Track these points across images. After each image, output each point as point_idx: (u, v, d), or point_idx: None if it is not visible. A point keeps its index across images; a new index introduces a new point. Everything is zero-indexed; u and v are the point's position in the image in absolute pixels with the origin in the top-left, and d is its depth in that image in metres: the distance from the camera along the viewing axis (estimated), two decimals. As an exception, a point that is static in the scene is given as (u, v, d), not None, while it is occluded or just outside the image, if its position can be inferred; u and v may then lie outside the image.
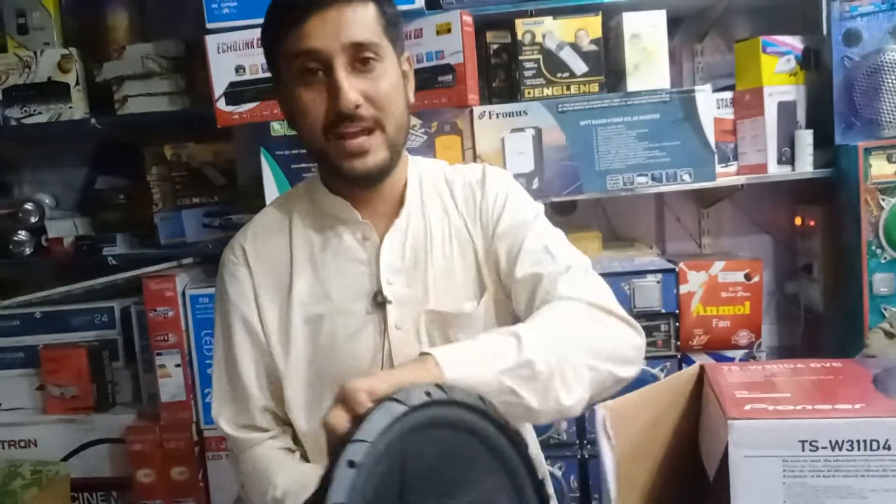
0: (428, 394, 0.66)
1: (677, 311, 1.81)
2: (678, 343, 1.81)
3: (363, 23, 0.98)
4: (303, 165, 1.86)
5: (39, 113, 2.09)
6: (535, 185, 1.85)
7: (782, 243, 2.18)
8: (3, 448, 2.06)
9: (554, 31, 1.86)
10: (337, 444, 0.65)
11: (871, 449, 0.63)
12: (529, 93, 1.88)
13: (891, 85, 1.76)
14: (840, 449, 0.64)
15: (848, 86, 1.81)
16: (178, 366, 1.96)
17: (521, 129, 1.85)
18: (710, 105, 1.85)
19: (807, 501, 0.65)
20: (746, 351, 1.85)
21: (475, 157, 1.85)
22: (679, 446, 0.80)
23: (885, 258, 1.74)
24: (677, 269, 1.81)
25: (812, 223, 1.98)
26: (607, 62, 1.88)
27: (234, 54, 1.86)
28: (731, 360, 1.85)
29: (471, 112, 1.85)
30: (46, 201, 2.30)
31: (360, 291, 1.06)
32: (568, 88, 1.88)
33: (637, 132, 1.83)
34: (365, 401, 0.68)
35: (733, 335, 1.84)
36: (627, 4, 1.86)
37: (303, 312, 1.07)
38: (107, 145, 2.35)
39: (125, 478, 2.03)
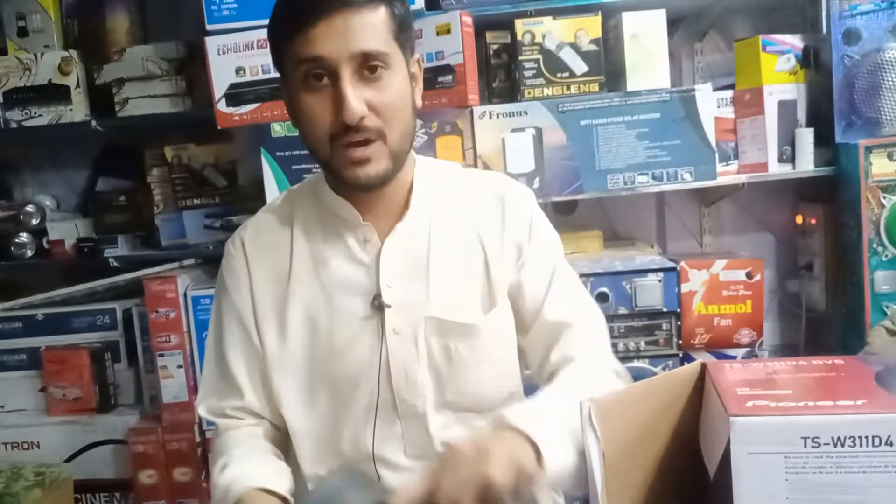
0: None
1: (679, 310, 1.81)
2: (680, 342, 1.81)
3: (372, 30, 0.95)
4: (303, 166, 1.86)
5: (40, 115, 2.09)
6: (536, 184, 1.85)
7: (783, 242, 2.18)
8: (6, 450, 2.06)
9: (553, 32, 1.86)
10: None
11: (874, 445, 0.63)
12: (529, 93, 1.88)
13: (891, 83, 1.76)
14: (842, 445, 0.64)
15: (848, 84, 1.81)
16: (179, 367, 1.96)
17: (522, 129, 1.85)
18: (711, 104, 1.85)
19: (809, 498, 0.65)
20: (748, 350, 1.85)
21: (476, 158, 1.86)
22: (678, 443, 0.80)
23: (886, 256, 1.74)
24: (678, 268, 1.81)
25: (813, 221, 1.98)
26: (607, 62, 1.89)
27: (235, 56, 1.86)
28: (733, 358, 1.85)
29: (471, 112, 1.85)
30: (47, 203, 2.30)
31: (359, 293, 1.05)
32: (568, 88, 1.88)
33: (637, 131, 1.83)
34: None
35: (735, 334, 1.84)
36: (627, 4, 1.86)
37: (301, 309, 1.06)
38: (109, 147, 2.36)
39: (128, 479, 2.03)
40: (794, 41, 1.88)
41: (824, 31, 1.88)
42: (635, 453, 0.77)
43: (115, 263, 2.10)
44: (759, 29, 2.03)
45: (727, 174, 1.91)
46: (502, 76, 1.96)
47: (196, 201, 2.18)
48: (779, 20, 2.06)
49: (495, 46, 1.94)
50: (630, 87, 1.86)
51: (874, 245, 1.74)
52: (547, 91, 1.88)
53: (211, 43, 1.86)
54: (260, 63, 1.86)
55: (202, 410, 1.13)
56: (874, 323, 1.71)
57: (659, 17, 1.86)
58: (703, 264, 1.84)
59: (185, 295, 1.96)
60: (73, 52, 2.09)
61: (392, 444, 1.06)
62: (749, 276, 1.83)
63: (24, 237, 2.16)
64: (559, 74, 1.87)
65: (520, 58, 1.87)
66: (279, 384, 1.07)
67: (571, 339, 1.06)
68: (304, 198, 1.12)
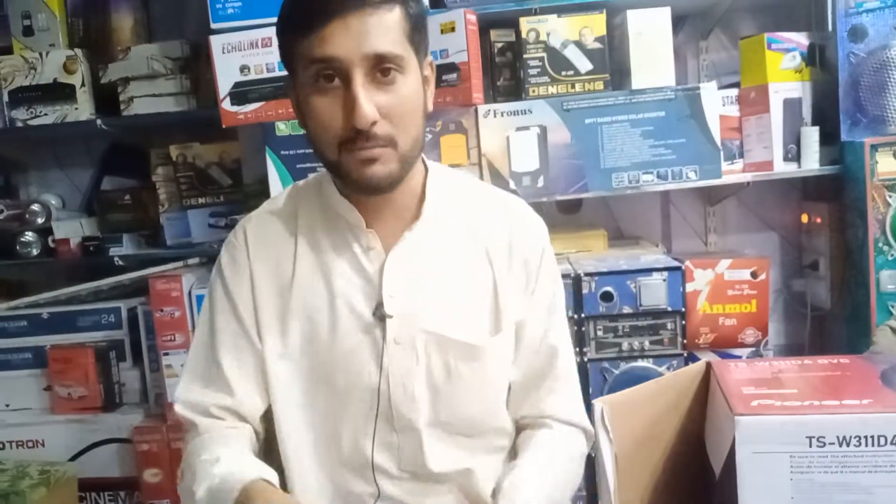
0: None
1: (683, 310, 1.80)
2: (684, 341, 1.81)
3: (387, 31, 0.92)
4: (308, 165, 1.86)
5: (45, 114, 2.10)
6: (541, 183, 1.85)
7: (789, 241, 2.18)
8: (11, 448, 2.07)
9: (558, 30, 1.86)
10: None
11: (879, 444, 0.63)
12: (534, 91, 1.88)
13: (897, 81, 1.75)
14: (847, 445, 0.63)
15: (854, 82, 1.80)
16: (184, 365, 1.96)
17: (526, 128, 1.85)
18: (716, 102, 1.84)
19: (814, 497, 0.65)
20: (753, 349, 1.85)
21: (480, 156, 1.85)
22: (684, 442, 0.79)
23: (891, 255, 1.73)
24: (683, 268, 1.81)
25: (818, 220, 1.98)
26: (612, 60, 1.88)
27: (239, 54, 1.86)
28: (738, 358, 1.85)
29: (476, 111, 1.85)
30: (53, 202, 2.31)
31: (362, 302, 1.03)
32: (573, 86, 1.88)
33: (642, 130, 1.83)
34: None
35: (740, 333, 1.83)
36: (632, 2, 1.86)
37: (304, 312, 1.04)
38: (114, 146, 2.36)
39: (133, 478, 2.03)
40: (800, 39, 1.87)
41: (830, 28, 1.88)
42: (643, 452, 0.77)
43: (120, 262, 2.10)
44: (764, 27, 2.02)
45: (732, 173, 1.90)
46: (507, 74, 1.96)
47: (201, 200, 2.18)
48: (784, 18, 2.06)
49: (500, 44, 1.94)
50: (635, 85, 1.85)
51: (880, 244, 1.73)
52: (551, 89, 1.88)
53: (216, 41, 1.86)
54: (265, 62, 1.86)
55: (179, 407, 1.05)
56: (879, 322, 1.71)
57: (664, 15, 1.85)
58: (708, 263, 1.83)
59: (189, 294, 1.96)
60: (79, 51, 2.10)
61: (388, 454, 1.05)
62: (754, 275, 1.82)
63: (29, 236, 2.17)
64: (564, 73, 1.87)
65: (524, 56, 1.87)
66: (277, 384, 1.04)
67: (545, 388, 1.09)
68: (309, 196, 1.10)
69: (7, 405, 2.14)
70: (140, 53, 2.07)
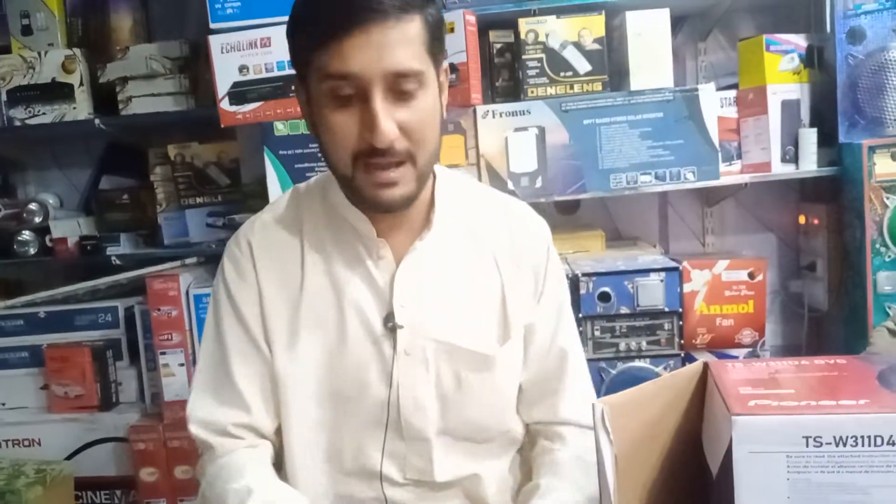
0: None
1: (681, 310, 1.81)
2: (682, 342, 1.81)
3: (408, 44, 0.88)
4: (306, 165, 1.86)
5: (44, 114, 2.09)
6: (539, 184, 1.85)
7: (786, 242, 2.18)
8: (8, 447, 2.06)
9: (557, 31, 1.86)
10: None
11: (876, 444, 0.63)
12: (533, 92, 1.88)
13: (895, 83, 1.76)
14: (844, 445, 0.63)
15: (852, 84, 1.80)
16: (181, 365, 1.96)
17: (525, 129, 1.85)
18: (714, 103, 1.84)
19: (811, 497, 0.65)
20: (750, 350, 1.85)
21: (478, 157, 1.85)
22: (681, 442, 0.79)
23: (889, 256, 1.74)
24: (681, 268, 1.81)
25: (816, 222, 1.98)
26: (610, 61, 1.88)
27: (238, 54, 1.86)
28: (735, 358, 1.85)
29: (474, 111, 1.85)
30: (50, 201, 2.30)
31: (372, 312, 1.01)
32: (571, 87, 1.88)
33: (640, 131, 1.83)
34: None
35: (737, 334, 1.83)
36: (630, 3, 1.86)
37: (313, 322, 1.01)
38: (112, 146, 2.36)
39: (129, 476, 2.03)
40: (798, 41, 1.88)
41: (828, 30, 1.88)
42: (641, 453, 0.77)
43: (118, 262, 2.10)
44: (762, 28, 2.02)
45: (730, 174, 1.91)
46: (505, 75, 1.96)
47: (199, 200, 2.18)
48: (782, 19, 2.06)
49: (499, 45, 1.94)
50: (633, 86, 1.85)
51: (877, 245, 1.74)
52: (550, 90, 1.88)
53: (214, 41, 1.86)
54: (263, 62, 1.86)
55: (194, 427, 1.02)
56: (876, 323, 1.71)
57: (663, 17, 1.85)
58: (706, 264, 1.83)
59: (187, 293, 1.96)
60: (77, 51, 2.10)
61: (396, 463, 1.04)
62: (751, 276, 1.83)
63: (26, 235, 2.16)
64: (562, 74, 1.87)
65: (523, 57, 1.87)
66: (286, 394, 1.02)
67: (557, 394, 1.08)
68: (312, 202, 1.06)
69: (3, 404, 2.13)
70: (139, 53, 2.07)
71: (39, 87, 2.08)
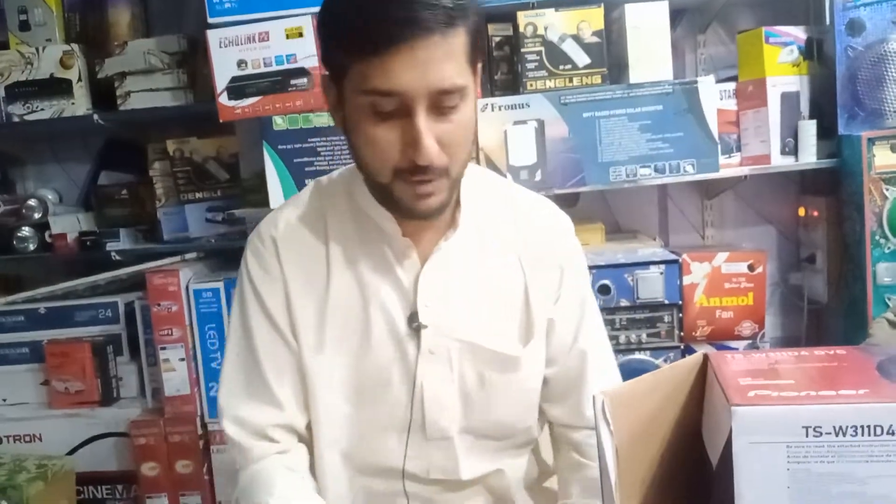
0: None
1: (680, 302, 1.81)
2: (681, 334, 1.81)
3: (453, 60, 0.85)
4: (305, 159, 1.86)
5: (42, 109, 2.09)
6: (538, 177, 1.85)
7: (786, 234, 2.18)
8: (9, 443, 2.06)
9: (556, 24, 1.86)
10: None
11: (875, 434, 0.63)
12: (532, 85, 1.87)
13: (894, 75, 1.75)
14: (844, 435, 0.63)
15: (851, 76, 1.80)
16: (182, 360, 1.96)
17: (524, 122, 1.85)
18: (713, 96, 1.84)
19: (811, 487, 0.65)
20: (750, 342, 1.85)
21: (478, 150, 1.85)
22: (681, 434, 0.79)
23: (888, 248, 1.74)
24: (680, 261, 1.81)
25: (815, 214, 1.98)
26: (609, 54, 1.88)
27: (236, 49, 1.86)
28: (735, 350, 1.85)
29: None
30: (49, 197, 2.30)
31: (397, 311, 1.01)
32: (570, 80, 1.88)
33: (640, 124, 1.83)
34: None
35: (736, 326, 1.84)
36: (629, -4, 1.86)
37: (339, 317, 1.01)
38: (111, 141, 2.36)
39: (130, 471, 2.03)
40: (798, 33, 1.87)
41: (828, 22, 1.88)
42: (642, 444, 0.77)
43: (118, 257, 2.09)
44: (762, 20, 2.02)
45: (730, 167, 1.91)
46: (504, 68, 1.96)
47: (198, 195, 2.18)
48: (782, 11, 2.06)
49: (497, 38, 1.94)
50: (633, 79, 1.85)
51: (877, 237, 1.74)
52: (549, 83, 1.87)
53: (213, 36, 1.85)
54: (262, 56, 1.86)
55: (229, 424, 1.02)
56: (876, 315, 1.71)
57: (662, 9, 1.85)
58: (705, 257, 1.83)
59: (187, 288, 1.96)
60: (75, 46, 2.09)
61: (420, 461, 1.04)
62: (751, 268, 1.83)
63: (26, 231, 2.16)
64: (561, 67, 1.87)
65: (522, 50, 1.86)
66: (314, 389, 1.02)
67: (588, 394, 1.05)
68: (337, 197, 1.05)
69: (4, 400, 2.14)
70: (137, 48, 2.06)
71: (38, 82, 2.08)
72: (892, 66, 1.75)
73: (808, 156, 1.85)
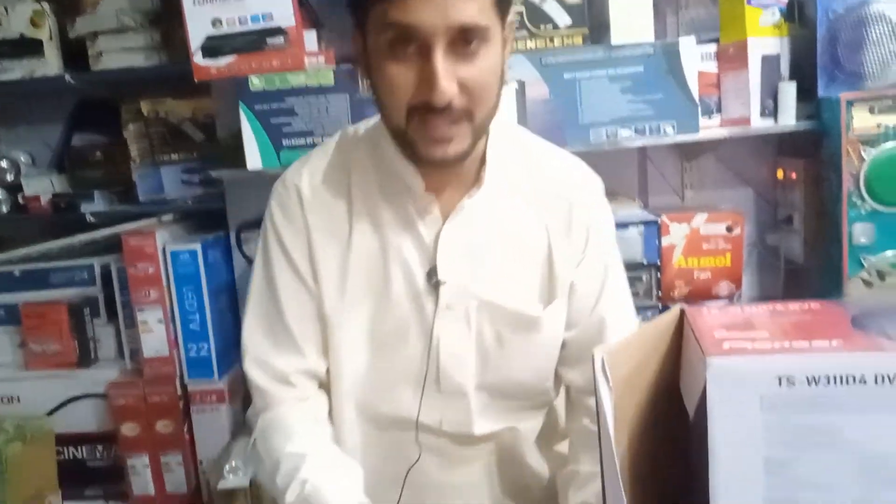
0: None
1: (659, 263, 1.82)
2: (659, 294, 1.83)
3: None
4: (283, 120, 1.84)
5: (12, 69, 2.04)
6: (518, 138, 1.84)
7: (764, 196, 2.19)
8: (-14, 405, 2.06)
9: (537, -18, 1.83)
10: None
11: (848, 384, 0.64)
12: (512, 45, 1.85)
13: (874, 37, 1.75)
14: (817, 384, 0.64)
15: (832, 38, 1.80)
16: (160, 322, 1.95)
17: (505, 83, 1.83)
18: (694, 57, 1.83)
19: (784, 438, 0.66)
20: (727, 302, 1.87)
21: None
22: (661, 389, 0.80)
23: (864, 209, 1.75)
24: (659, 222, 1.82)
25: (794, 176, 1.99)
26: (591, 14, 1.86)
27: (211, 6, 1.82)
28: (712, 311, 1.87)
29: (453, 64, 1.83)
30: (22, 159, 2.26)
31: (416, 266, 1.01)
32: (551, 41, 1.86)
33: (621, 85, 1.82)
34: None
35: (714, 286, 1.85)
36: (611, -45, 1.84)
37: (360, 269, 1.02)
38: (84, 102, 2.31)
39: (110, 432, 2.03)
40: (779, -6, 1.86)
41: (809, -17, 1.87)
42: (627, 400, 0.77)
43: (93, 219, 2.07)
44: (743, -19, 2.00)
45: (710, 128, 1.91)
46: (484, 28, 1.93)
47: (174, 156, 2.15)
48: (764, -28, 2.04)
49: (477, -3, 1.91)
50: (614, 40, 1.83)
51: (853, 198, 1.75)
52: (530, 44, 1.86)
53: (186, -7, 1.81)
54: (237, 14, 1.82)
55: (251, 366, 1.04)
56: (852, 275, 1.73)
57: (643, -31, 1.83)
58: (684, 217, 1.84)
59: (163, 250, 1.94)
60: (45, 5, 2.03)
61: (433, 416, 1.05)
62: (729, 229, 1.84)
63: (-2, 192, 2.13)
64: (542, 27, 1.85)
65: (502, 9, 1.84)
66: (334, 338, 1.03)
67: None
68: (362, 149, 1.05)
69: (-20, 362, 2.12)
70: (109, 7, 2.01)
71: (7, 42, 2.02)
72: (872, 28, 1.75)
73: (788, 118, 1.85)
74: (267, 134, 1.84)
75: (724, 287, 1.85)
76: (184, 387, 1.99)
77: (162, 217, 2.06)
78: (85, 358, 2.07)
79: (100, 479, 2.07)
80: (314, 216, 1.02)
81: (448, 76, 0.85)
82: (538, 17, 1.85)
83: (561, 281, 1.04)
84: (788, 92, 1.84)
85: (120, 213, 2.10)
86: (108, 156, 2.23)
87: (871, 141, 1.74)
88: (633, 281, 1.80)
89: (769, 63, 1.86)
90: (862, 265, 1.75)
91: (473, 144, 0.94)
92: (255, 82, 1.82)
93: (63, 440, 2.04)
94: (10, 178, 2.15)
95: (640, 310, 1.82)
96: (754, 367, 0.65)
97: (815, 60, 1.81)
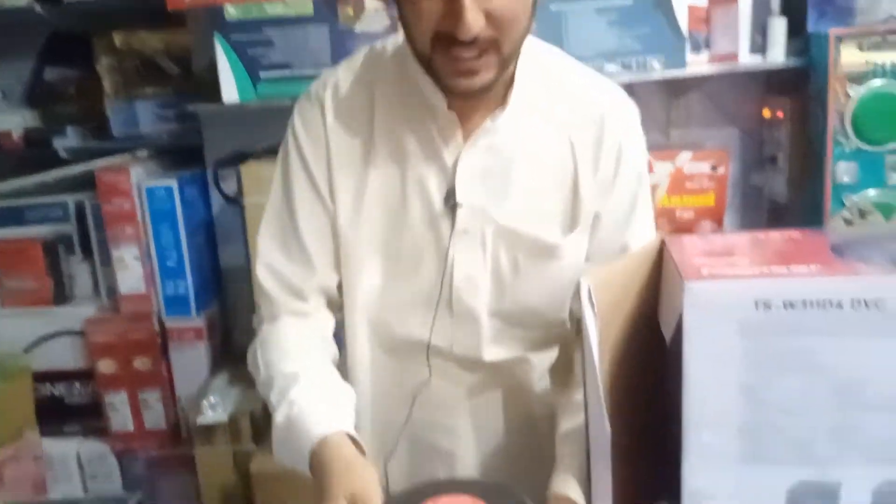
0: None
1: (642, 202, 1.80)
2: (641, 233, 1.82)
3: None
4: (260, 51, 1.79)
5: (-22, 0, 1.97)
6: (501, 72, 1.80)
7: (750, 135, 2.16)
8: (-39, 343, 2.03)
9: None
10: None
11: (825, 308, 0.63)
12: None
13: (866, -30, 1.72)
14: (793, 308, 0.63)
15: (823, -29, 1.76)
16: (136, 259, 1.92)
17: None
18: (684, -11, 1.79)
19: (762, 362, 0.65)
20: (709, 239, 1.87)
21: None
22: (642, 320, 0.79)
23: (849, 147, 1.73)
24: (644, 160, 1.80)
25: (780, 114, 1.97)
26: (579, -57, 1.81)
27: (184, -68, 1.75)
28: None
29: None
30: (-8, 93, 2.20)
31: (434, 187, 0.99)
32: (537, -29, 1.80)
33: (608, 18, 1.78)
34: None
35: (696, 226, 1.84)
36: None
37: (377, 191, 1.01)
38: (55, 35, 2.24)
39: (87, 369, 2.02)
40: (771, -76, 1.81)
41: (802, -86, 1.82)
42: (610, 327, 0.77)
43: (66, 155, 2.03)
44: (735, -89, 1.94)
45: (697, 64, 1.87)
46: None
47: (149, 90, 2.09)
48: None
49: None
50: (602, -29, 1.79)
51: (838, 136, 1.73)
52: (515, -26, 1.80)
53: (157, -85, 1.74)
54: (211, -59, 1.75)
55: (262, 270, 1.04)
56: (833, 214, 1.73)
57: None
58: (668, 155, 1.82)
59: (139, 186, 1.91)
60: (10, -71, 1.95)
61: (445, 339, 1.04)
62: (714, 168, 1.82)
63: (-32, 127, 2.07)
64: (527, -45, 1.79)
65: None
66: (347, 255, 1.03)
67: None
68: (388, 66, 1.03)
69: (-47, 298, 2.09)
70: (78, -68, 1.93)
71: (-28, -29, 1.95)
72: (864, -39, 1.71)
73: (777, 54, 1.81)
74: (244, 65, 1.79)
75: (706, 227, 1.85)
76: (161, 324, 1.98)
77: (137, 153, 2.02)
78: (60, 295, 2.04)
79: (78, 415, 2.07)
80: (335, 132, 1.02)
81: (474, 7, 0.83)
82: (523, -54, 1.79)
83: (585, 209, 1.02)
84: (778, 27, 1.81)
85: (94, 149, 2.05)
86: (81, 90, 2.17)
87: (858, 78, 1.71)
88: (615, 218, 1.80)
89: (760, -3, 1.82)
90: (844, 204, 1.74)
91: (500, 74, 0.92)
92: (231, 11, 1.77)
93: (40, 377, 2.03)
94: (-21, 113, 2.10)
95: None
96: (731, 291, 0.64)
97: (805, -6, 1.77)
